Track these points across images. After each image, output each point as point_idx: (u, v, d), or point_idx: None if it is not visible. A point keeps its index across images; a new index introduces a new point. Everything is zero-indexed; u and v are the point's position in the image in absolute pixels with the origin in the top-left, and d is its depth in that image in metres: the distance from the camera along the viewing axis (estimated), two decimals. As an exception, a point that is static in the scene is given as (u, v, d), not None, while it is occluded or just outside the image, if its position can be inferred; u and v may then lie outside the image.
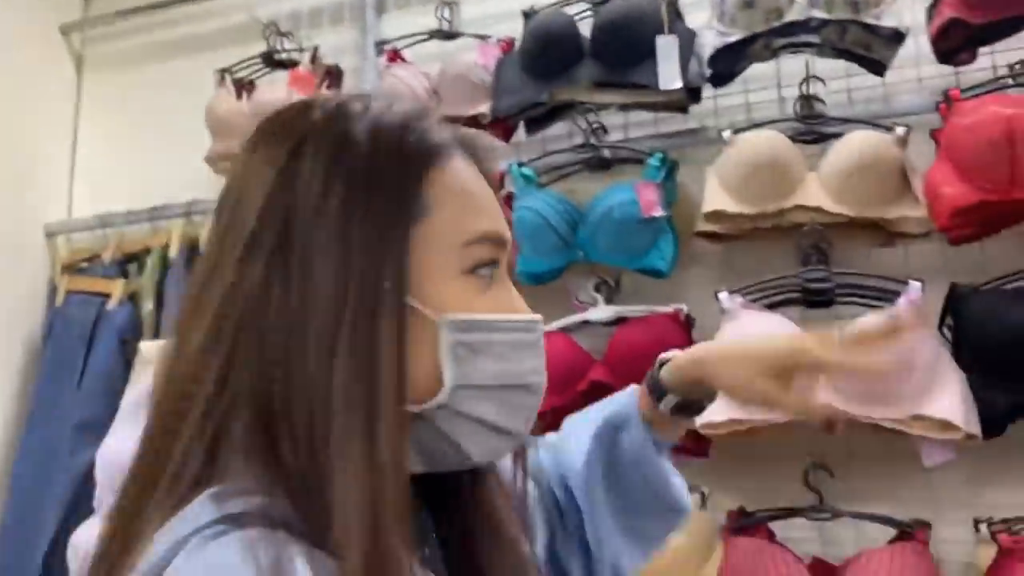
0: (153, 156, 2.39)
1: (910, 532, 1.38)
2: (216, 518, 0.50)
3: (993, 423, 1.36)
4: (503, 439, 0.62)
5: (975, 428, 1.33)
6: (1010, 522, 1.32)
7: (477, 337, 0.60)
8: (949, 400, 1.32)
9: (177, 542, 0.50)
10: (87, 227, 2.31)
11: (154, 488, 0.55)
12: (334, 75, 2.03)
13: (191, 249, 2.10)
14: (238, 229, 0.58)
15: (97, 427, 1.95)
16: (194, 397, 0.56)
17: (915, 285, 1.41)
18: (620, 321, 1.62)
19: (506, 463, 0.71)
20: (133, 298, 2.11)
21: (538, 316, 0.64)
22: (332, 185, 0.57)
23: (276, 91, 1.91)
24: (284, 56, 2.09)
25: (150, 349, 1.82)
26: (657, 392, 0.80)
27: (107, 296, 2.12)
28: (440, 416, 0.59)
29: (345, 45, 2.18)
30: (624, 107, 1.78)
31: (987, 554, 1.34)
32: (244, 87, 2.10)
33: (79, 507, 1.91)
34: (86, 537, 1.67)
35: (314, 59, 1.98)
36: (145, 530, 0.53)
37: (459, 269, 0.60)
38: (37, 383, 2.17)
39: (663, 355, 0.81)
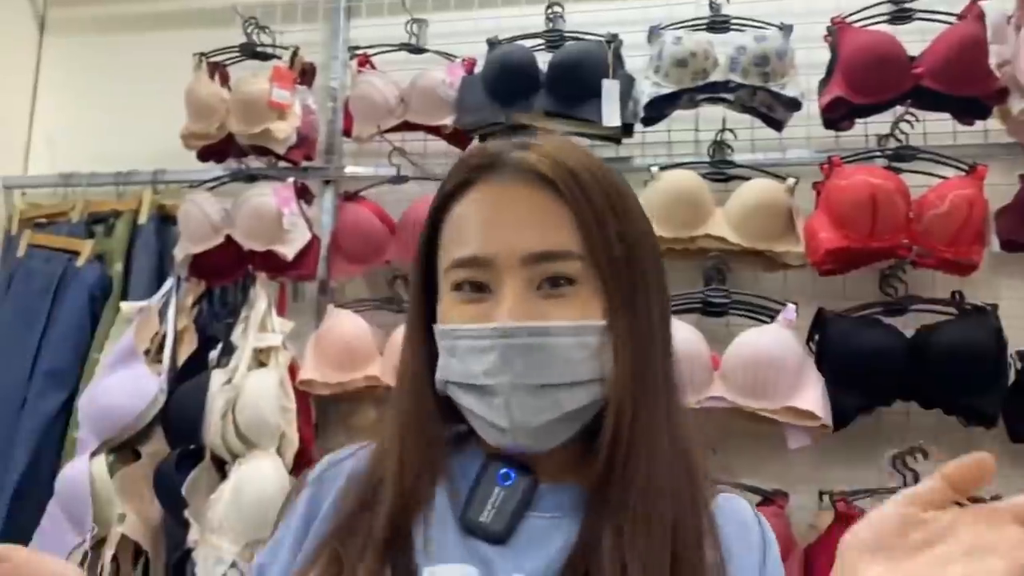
0: (114, 122, 2.54)
1: (771, 499, 1.76)
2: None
3: (841, 418, 1.75)
4: (495, 432, 0.74)
5: (829, 420, 1.72)
6: (846, 494, 1.72)
7: (447, 343, 0.76)
8: (813, 396, 1.71)
9: None
10: (50, 184, 2.44)
11: None
12: (308, 73, 2.24)
13: (160, 217, 2.28)
14: None
15: (64, 375, 2.13)
16: None
17: (791, 307, 1.78)
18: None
19: None
20: (100, 258, 2.26)
21: (496, 324, 0.71)
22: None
23: (259, 83, 2.10)
24: (260, 49, 2.27)
25: (130, 309, 2.02)
26: None
27: (73, 253, 2.26)
28: (457, 402, 0.77)
29: (313, 42, 2.38)
30: (568, 133, 2.08)
31: (826, 519, 1.73)
32: (217, 70, 2.28)
33: (46, 446, 2.09)
34: (74, 473, 1.86)
35: (293, 57, 2.18)
36: None
37: (447, 288, 0.76)
38: (-6, 330, 2.29)
39: None
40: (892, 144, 1.87)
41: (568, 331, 0.72)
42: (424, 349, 0.80)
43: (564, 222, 0.73)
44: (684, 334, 1.76)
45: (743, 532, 0.77)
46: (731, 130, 1.99)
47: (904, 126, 1.87)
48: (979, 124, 1.91)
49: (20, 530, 1.98)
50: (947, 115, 1.90)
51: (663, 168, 1.93)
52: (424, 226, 0.80)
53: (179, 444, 1.89)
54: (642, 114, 1.98)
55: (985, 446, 1.84)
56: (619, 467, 0.71)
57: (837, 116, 1.93)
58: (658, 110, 1.98)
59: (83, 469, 1.81)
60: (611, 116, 1.95)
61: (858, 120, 1.96)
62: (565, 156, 0.76)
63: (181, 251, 2.12)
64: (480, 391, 0.73)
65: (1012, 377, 1.74)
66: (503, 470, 0.75)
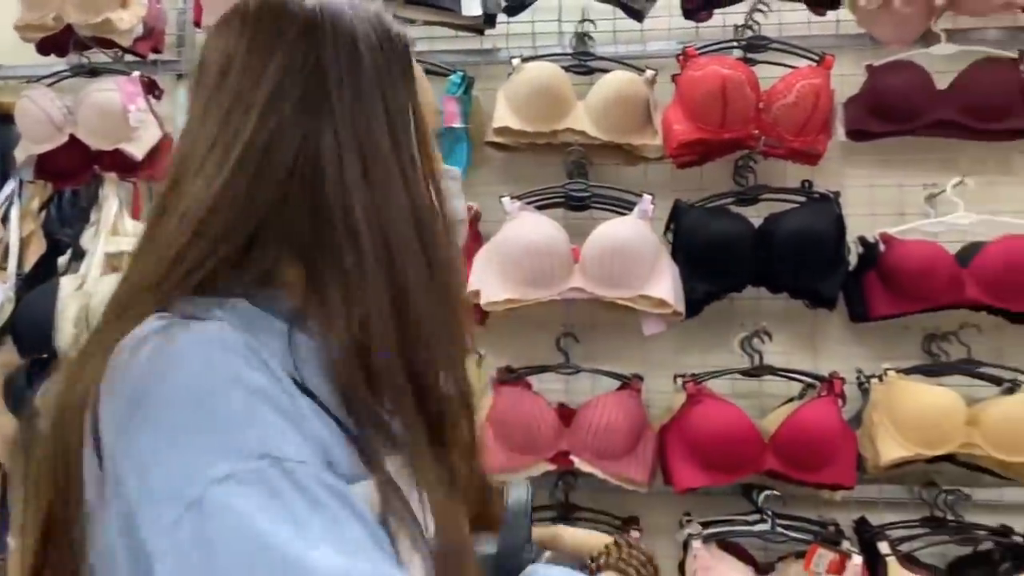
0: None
1: (629, 383, 1.84)
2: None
3: (693, 305, 1.82)
4: None
5: (682, 308, 1.79)
6: (697, 376, 1.80)
7: None
8: (665, 285, 1.76)
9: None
10: None
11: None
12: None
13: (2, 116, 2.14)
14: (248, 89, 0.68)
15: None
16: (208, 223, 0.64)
17: (647, 198, 1.81)
18: (418, 212, 1.93)
19: None
20: (-64, 159, 2.12)
21: None
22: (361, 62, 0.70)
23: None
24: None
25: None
26: None
27: (-94, 157, 2.12)
28: None
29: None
30: (428, 23, 2.03)
31: (680, 399, 1.82)
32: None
33: None
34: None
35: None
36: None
37: None
38: None
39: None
40: (748, 35, 1.90)
41: None
42: None
43: None
44: (545, 228, 1.78)
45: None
46: (592, 21, 1.97)
47: (760, 17, 1.89)
48: (831, 15, 1.94)
49: None
50: (802, 5, 1.92)
51: (525, 60, 1.90)
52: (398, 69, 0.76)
53: (30, 353, 1.83)
54: (503, 3, 1.94)
55: (830, 326, 1.97)
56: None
57: (695, 6, 1.93)
58: (520, -1, 1.95)
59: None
60: (471, 5, 1.91)
61: (717, 11, 1.97)
62: None
63: (22, 152, 2.00)
64: None
65: (855, 261, 1.84)
66: None
